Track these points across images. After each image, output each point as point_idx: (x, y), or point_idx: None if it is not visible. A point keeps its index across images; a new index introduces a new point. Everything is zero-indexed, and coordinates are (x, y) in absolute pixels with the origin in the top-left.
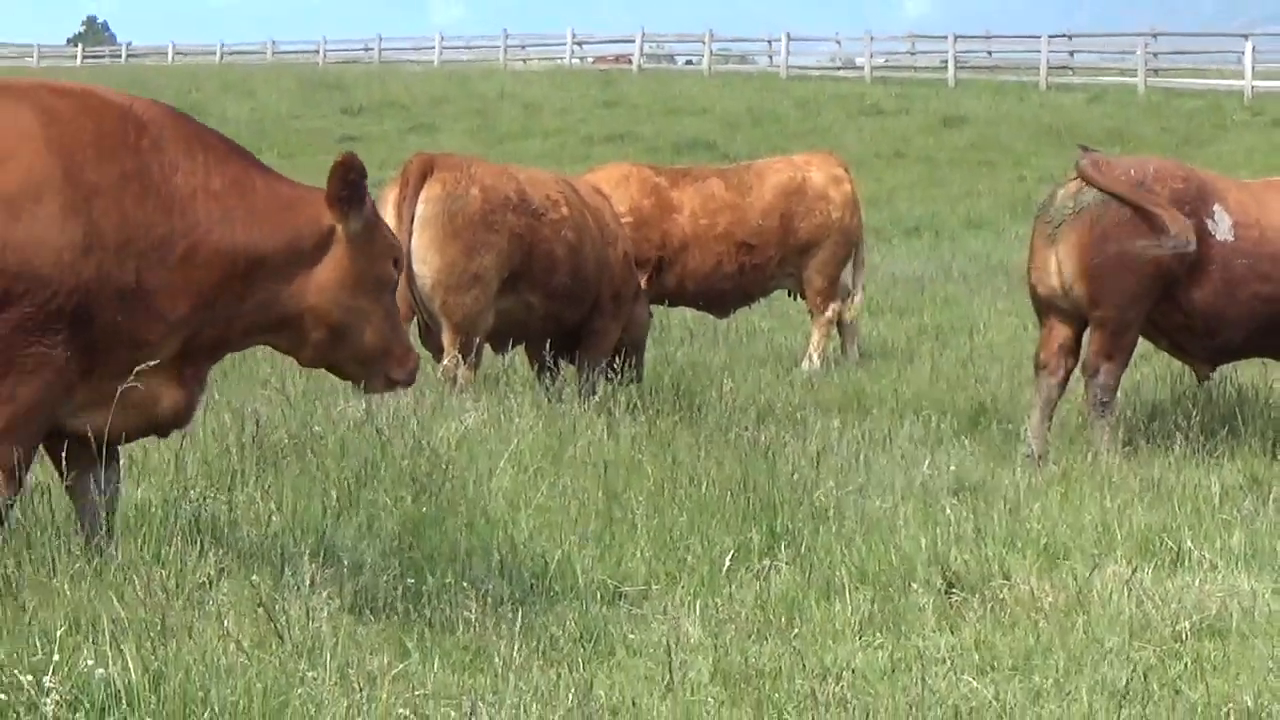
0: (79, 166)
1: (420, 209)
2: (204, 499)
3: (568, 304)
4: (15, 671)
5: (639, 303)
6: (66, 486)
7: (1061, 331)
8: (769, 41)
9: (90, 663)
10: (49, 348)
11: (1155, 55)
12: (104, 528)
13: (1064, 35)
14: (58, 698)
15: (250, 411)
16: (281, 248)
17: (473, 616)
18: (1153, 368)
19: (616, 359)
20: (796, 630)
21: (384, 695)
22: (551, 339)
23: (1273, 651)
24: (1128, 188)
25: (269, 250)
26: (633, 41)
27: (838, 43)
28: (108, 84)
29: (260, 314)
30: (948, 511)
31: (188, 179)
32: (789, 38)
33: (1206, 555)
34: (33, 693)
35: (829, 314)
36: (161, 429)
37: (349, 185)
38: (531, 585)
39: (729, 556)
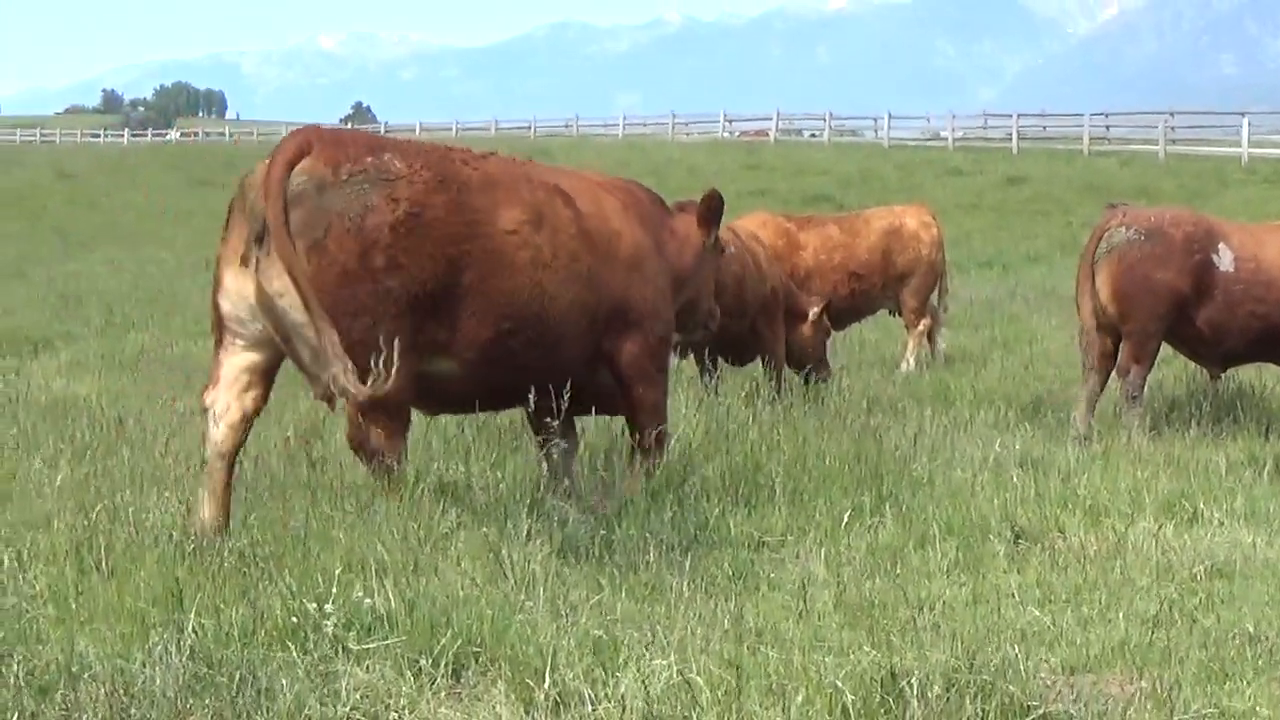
0: (651, 232)
1: None
2: (446, 468)
3: (732, 319)
4: (303, 600)
5: (795, 326)
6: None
7: (1101, 342)
8: (875, 119)
9: (360, 594)
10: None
11: (1173, 129)
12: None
13: (1102, 114)
14: (335, 621)
15: None
16: (690, 264)
17: (651, 560)
18: (1173, 369)
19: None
20: (899, 571)
21: (584, 620)
22: (713, 347)
23: (1268, 589)
24: None
25: (688, 267)
26: (770, 119)
27: (928, 120)
28: None
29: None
30: (1015, 480)
31: (671, 231)
32: (890, 116)
33: (1216, 515)
34: (316, 617)
35: (920, 327)
36: None
37: (712, 211)
38: (696, 535)
39: (846, 515)
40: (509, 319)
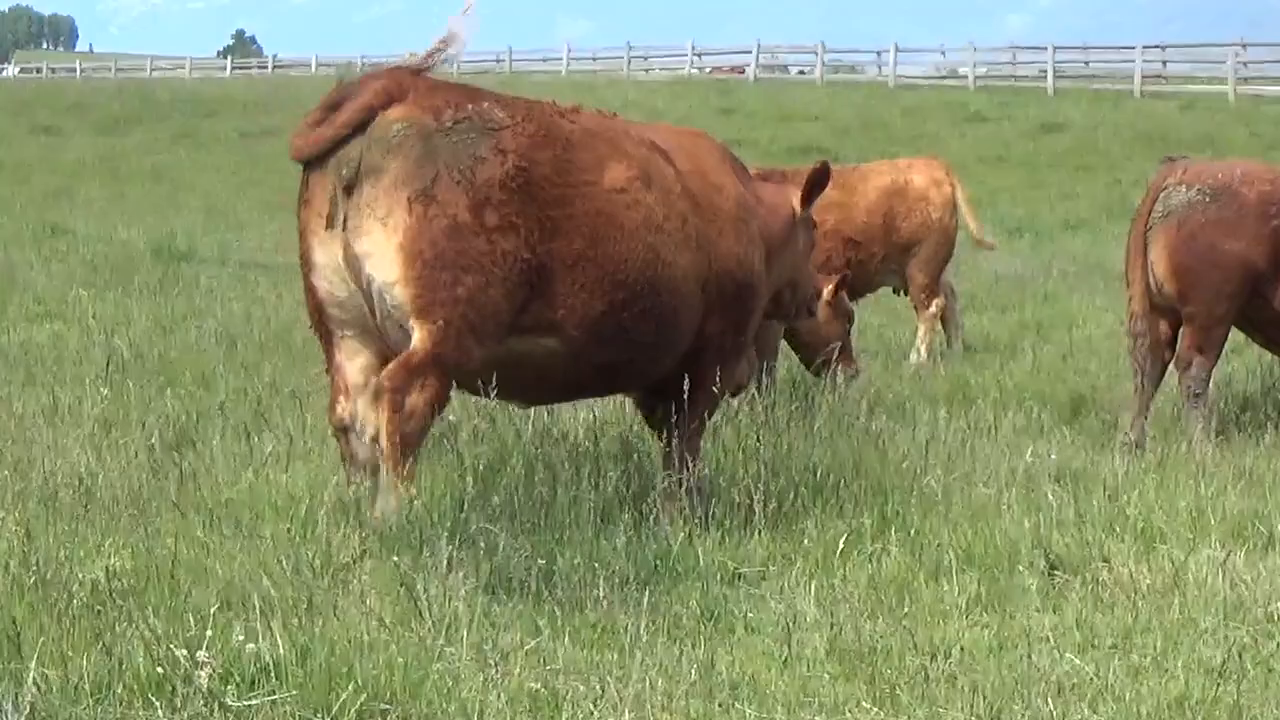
0: (748, 191)
1: None
2: (348, 483)
3: None
4: (171, 646)
5: None
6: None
7: (1156, 327)
8: (878, 53)
9: (241, 638)
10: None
11: (1245, 65)
12: None
13: (1158, 46)
14: (211, 671)
15: None
16: (779, 235)
17: (601, 595)
18: (1244, 361)
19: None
20: (907, 610)
21: (517, 670)
22: None
23: None
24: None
25: (778, 238)
26: (749, 53)
27: (943, 54)
28: (255, 93)
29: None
30: (1049, 497)
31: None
32: (897, 49)
33: None
34: (188, 666)
35: (933, 309)
36: None
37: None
38: (656, 566)
39: (842, 539)
40: (622, 289)
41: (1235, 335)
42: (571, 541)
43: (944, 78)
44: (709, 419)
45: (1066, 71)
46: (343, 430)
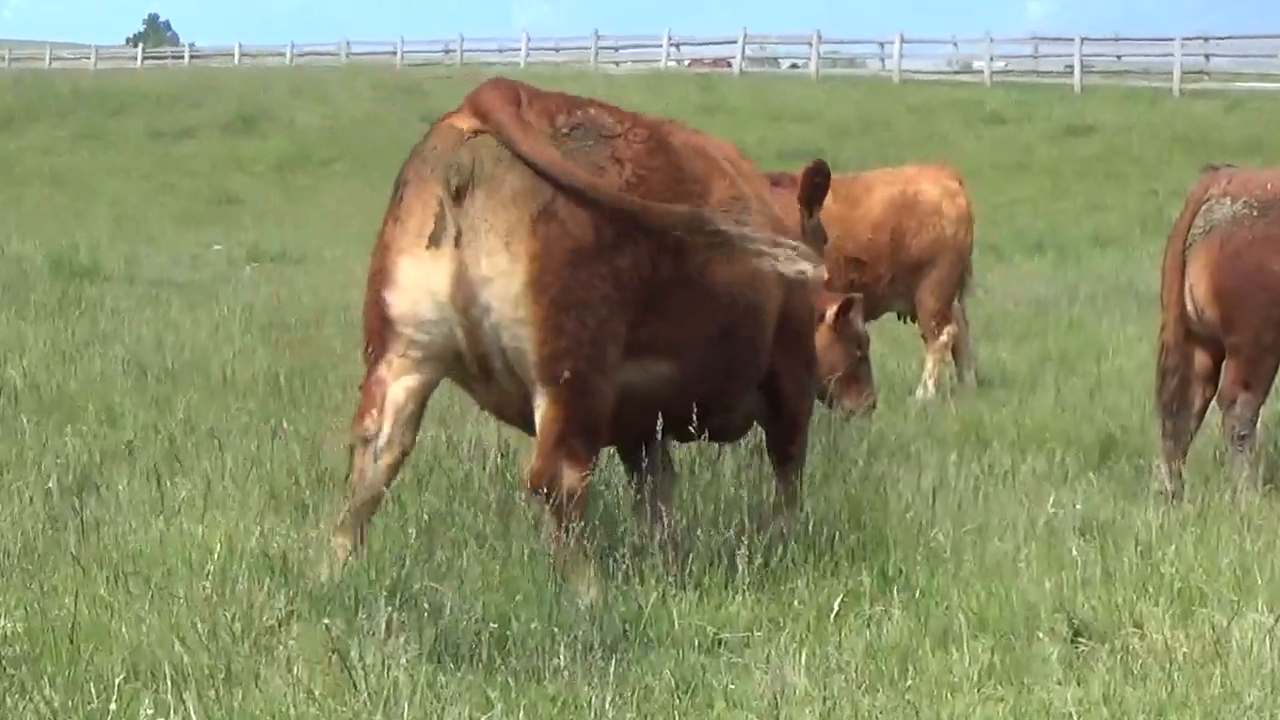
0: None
1: None
2: (273, 535)
3: None
4: None
5: None
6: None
7: (1197, 359)
8: (881, 44)
9: (150, 712)
10: None
11: None
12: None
13: (1199, 38)
14: None
15: (321, 442)
16: None
17: (561, 664)
18: None
19: None
20: (910, 682)
21: None
22: None
23: None
24: None
25: None
26: (734, 43)
27: (954, 45)
28: (170, 86)
29: None
30: (1074, 553)
31: None
32: (902, 39)
33: None
34: None
35: (944, 338)
36: None
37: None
38: (624, 630)
39: (837, 601)
40: (730, 312)
41: None
42: (528, 602)
43: (956, 73)
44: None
45: (1095, 66)
46: (364, 442)
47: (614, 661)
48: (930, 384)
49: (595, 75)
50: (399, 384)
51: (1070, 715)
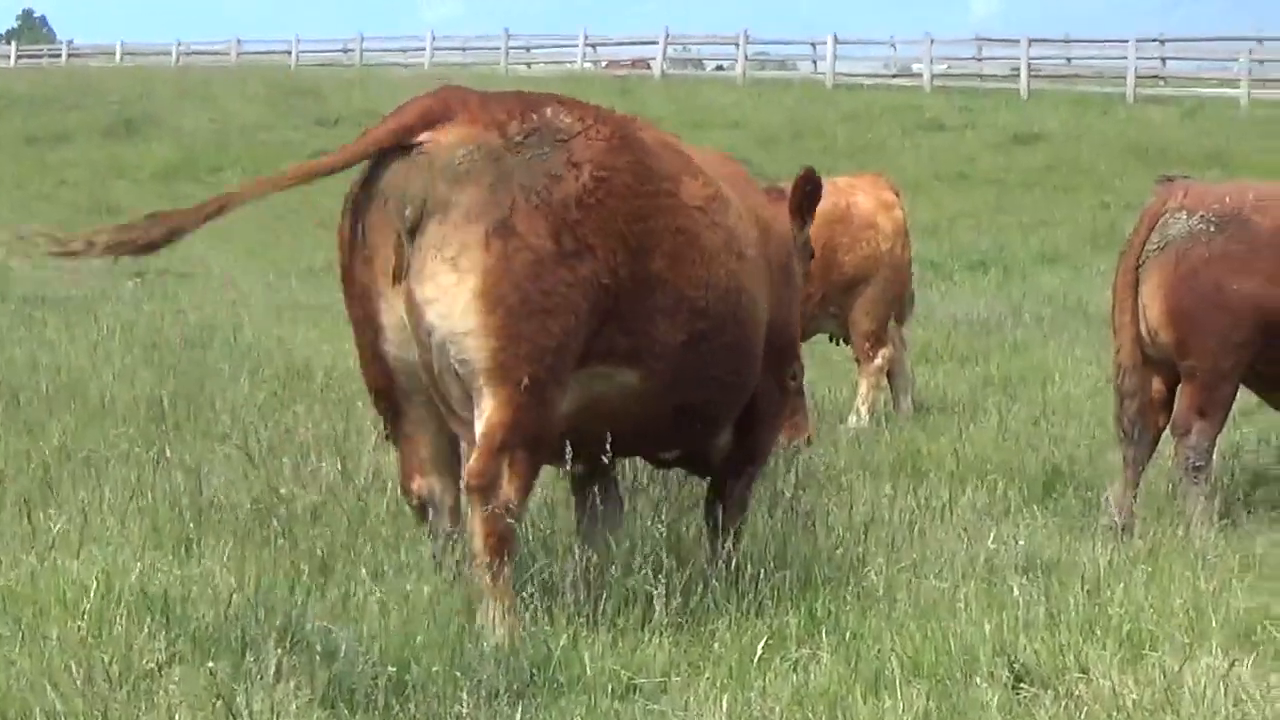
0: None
1: None
2: (153, 571)
3: None
4: None
5: None
6: None
7: (1149, 385)
8: (813, 44)
9: None
10: None
11: (1261, 63)
12: None
13: (1155, 39)
14: None
15: (207, 471)
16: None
17: (464, 711)
18: (1255, 426)
19: None
20: None
21: None
22: None
23: None
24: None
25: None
26: (654, 43)
27: (893, 46)
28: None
29: None
30: (1016, 593)
31: None
32: (836, 40)
33: None
34: None
35: (879, 362)
36: None
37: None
38: (532, 675)
39: (761, 644)
40: (704, 318)
41: (1244, 395)
42: (429, 645)
43: (894, 76)
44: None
45: (1043, 69)
46: (423, 510)
47: (521, 708)
48: (864, 411)
49: (505, 78)
50: (425, 437)
51: None
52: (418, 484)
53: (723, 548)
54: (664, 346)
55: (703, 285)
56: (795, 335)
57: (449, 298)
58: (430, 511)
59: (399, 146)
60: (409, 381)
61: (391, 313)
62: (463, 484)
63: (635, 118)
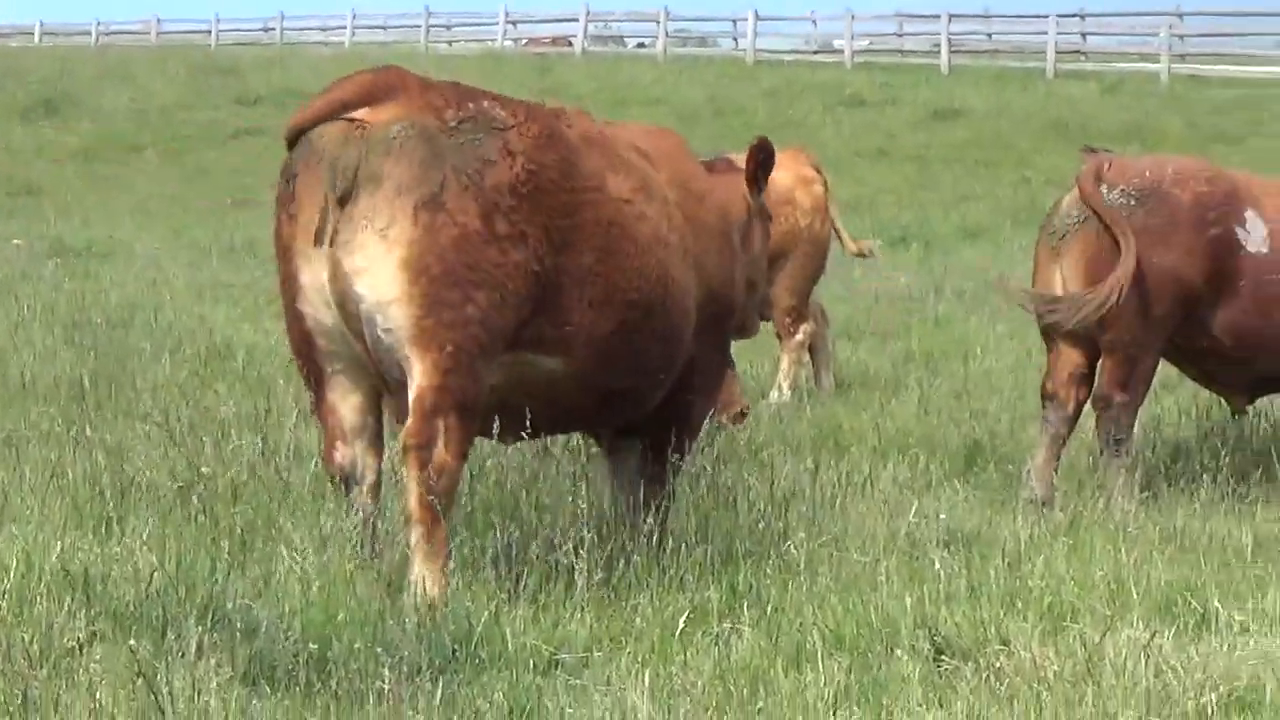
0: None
1: None
2: (74, 550)
3: None
4: None
5: None
6: None
7: (1071, 358)
8: (734, 21)
9: None
10: None
11: (1182, 38)
12: None
13: (1076, 15)
14: None
15: (128, 450)
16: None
17: (386, 687)
18: (1176, 400)
19: None
20: (760, 704)
21: None
22: None
23: None
24: (1113, 213)
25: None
26: (575, 20)
27: (813, 23)
28: None
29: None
30: (937, 566)
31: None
32: (756, 17)
33: (1236, 617)
34: None
35: (800, 337)
36: None
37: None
38: (454, 651)
39: (683, 618)
40: (634, 309)
41: (1165, 369)
42: (351, 621)
43: (815, 53)
44: (687, 457)
45: (965, 45)
46: (345, 481)
47: (442, 684)
48: (785, 386)
49: (426, 56)
50: (347, 405)
51: None
52: (340, 454)
53: (645, 521)
54: (591, 336)
55: (634, 276)
56: (734, 300)
57: (376, 267)
58: (351, 485)
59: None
60: (328, 344)
61: (310, 272)
62: (398, 445)
63: (564, 112)
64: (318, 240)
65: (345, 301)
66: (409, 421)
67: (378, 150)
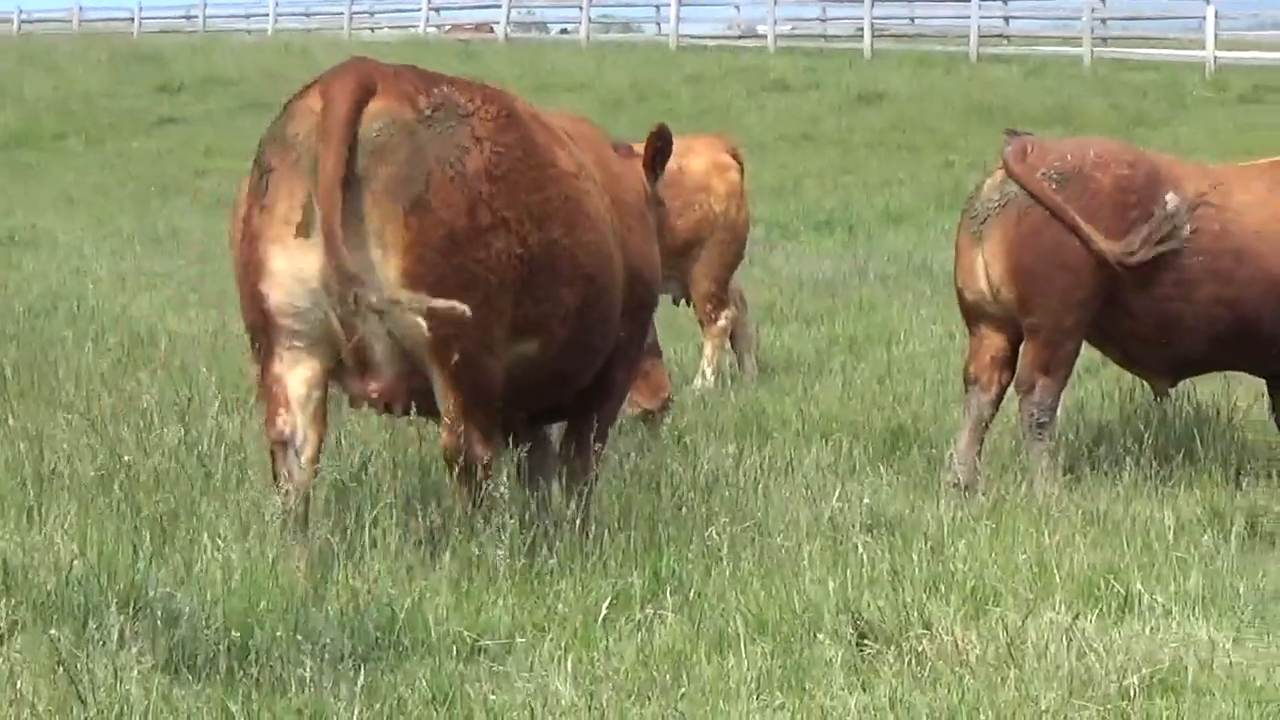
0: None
1: None
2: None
3: None
4: None
5: None
6: None
7: (993, 341)
8: (656, 6)
9: None
10: None
11: (1104, 22)
12: None
13: None
14: None
15: (49, 438)
16: None
17: (308, 675)
18: (1099, 383)
19: None
20: (683, 689)
21: None
22: None
23: (1233, 710)
24: (1042, 186)
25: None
26: (498, 7)
27: (736, 8)
28: None
29: None
30: (860, 551)
31: None
32: (680, 2)
33: (1159, 600)
34: None
35: (722, 323)
36: None
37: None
38: (376, 639)
39: (605, 604)
40: (590, 284)
41: (1089, 352)
42: (273, 609)
43: (739, 38)
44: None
45: (888, 29)
46: (281, 445)
47: (365, 671)
48: (709, 372)
49: (349, 43)
50: (296, 377)
51: None
52: (282, 420)
53: (569, 505)
54: (564, 315)
55: (591, 252)
56: (654, 281)
57: (378, 273)
58: (288, 452)
59: (309, 110)
60: (294, 324)
61: (287, 260)
62: (440, 454)
63: (510, 92)
64: (300, 233)
65: (344, 295)
66: (442, 436)
67: (361, 149)
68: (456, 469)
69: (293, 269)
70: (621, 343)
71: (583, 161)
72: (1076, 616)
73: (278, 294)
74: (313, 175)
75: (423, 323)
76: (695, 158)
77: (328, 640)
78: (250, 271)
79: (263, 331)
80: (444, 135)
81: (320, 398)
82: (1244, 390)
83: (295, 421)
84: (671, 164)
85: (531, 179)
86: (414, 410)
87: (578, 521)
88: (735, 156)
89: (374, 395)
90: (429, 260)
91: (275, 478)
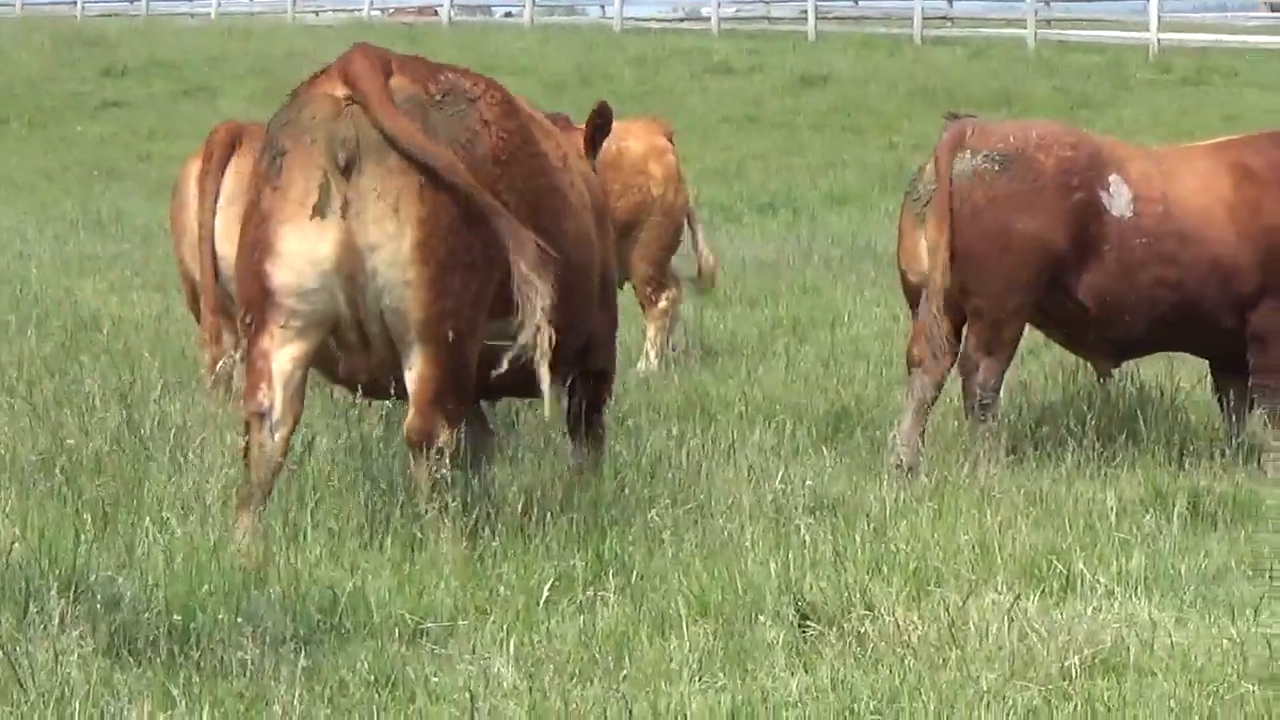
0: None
1: (227, 184)
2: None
3: None
4: None
5: None
6: None
7: (935, 324)
8: None
9: None
10: None
11: (1047, 3)
12: None
13: None
14: None
15: None
16: None
17: (249, 658)
18: (1042, 364)
19: None
20: (625, 671)
21: None
22: None
23: (1175, 690)
24: (946, 190)
25: None
26: None
27: None
28: None
29: None
30: (803, 532)
31: None
32: None
33: (1101, 580)
34: None
35: (662, 305)
36: None
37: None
38: (318, 622)
39: (548, 586)
40: (574, 272)
41: (1032, 333)
42: (214, 592)
43: (682, 20)
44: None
45: (832, 12)
46: (259, 417)
47: (306, 654)
48: (652, 355)
49: (292, 27)
50: (284, 354)
51: (796, 704)
52: (262, 394)
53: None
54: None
55: (574, 239)
56: (614, 267)
57: (393, 245)
58: (264, 426)
59: (327, 94)
60: (293, 304)
61: (301, 240)
62: (402, 437)
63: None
64: (317, 213)
65: (355, 273)
66: (410, 418)
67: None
68: (419, 452)
69: (307, 250)
70: (598, 332)
71: (566, 152)
72: (1018, 597)
73: (286, 274)
74: (330, 158)
75: (418, 300)
76: (633, 140)
77: (269, 623)
78: (256, 250)
79: (259, 308)
80: (455, 118)
81: (301, 378)
82: (1187, 371)
83: (275, 397)
84: (609, 147)
85: (529, 166)
86: (394, 392)
87: (519, 504)
88: (670, 140)
89: (366, 374)
90: (440, 235)
91: (245, 450)
